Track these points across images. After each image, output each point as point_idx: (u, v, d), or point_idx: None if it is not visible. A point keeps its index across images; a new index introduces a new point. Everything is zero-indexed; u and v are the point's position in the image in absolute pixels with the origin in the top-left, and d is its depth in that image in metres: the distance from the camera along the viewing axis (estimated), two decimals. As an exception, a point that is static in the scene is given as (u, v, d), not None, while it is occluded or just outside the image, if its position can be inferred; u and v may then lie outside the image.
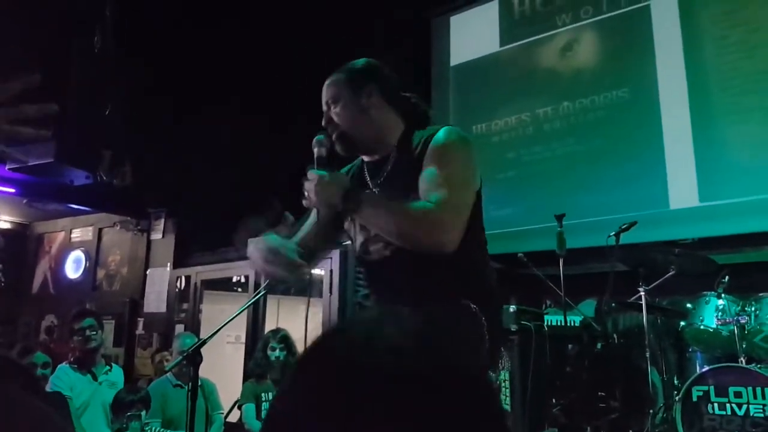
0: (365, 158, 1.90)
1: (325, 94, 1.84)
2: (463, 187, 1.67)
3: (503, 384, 3.20)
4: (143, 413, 3.48)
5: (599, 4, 5.60)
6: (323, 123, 1.86)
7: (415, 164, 1.69)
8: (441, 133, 1.71)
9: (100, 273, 6.69)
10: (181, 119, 5.69)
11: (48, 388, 3.57)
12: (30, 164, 4.31)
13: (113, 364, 4.14)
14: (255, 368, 4.15)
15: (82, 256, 6.82)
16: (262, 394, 4.03)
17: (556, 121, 5.61)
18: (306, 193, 1.70)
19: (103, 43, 4.79)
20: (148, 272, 6.20)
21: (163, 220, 6.22)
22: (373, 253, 1.76)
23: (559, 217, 3.74)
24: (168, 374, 4.11)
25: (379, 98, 1.80)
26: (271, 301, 5.68)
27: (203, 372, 4.04)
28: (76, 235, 7.01)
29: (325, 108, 1.85)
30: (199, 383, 4.05)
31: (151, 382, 5.12)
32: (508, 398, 3.10)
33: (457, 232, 1.59)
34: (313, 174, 1.69)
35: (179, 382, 4.04)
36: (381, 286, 1.79)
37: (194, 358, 2.57)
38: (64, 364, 3.85)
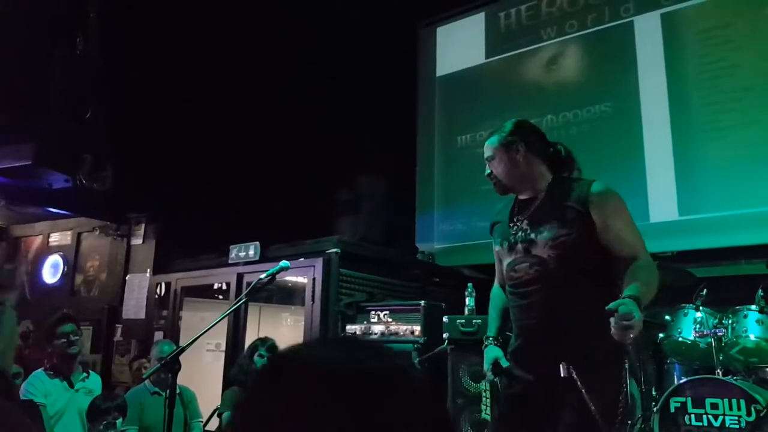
0: (518, 196, 2.31)
1: (486, 152, 2.32)
2: (636, 228, 2.15)
3: (484, 393, 3.21)
4: (119, 421, 3.42)
5: (584, 19, 5.69)
6: (486, 174, 2.33)
7: (561, 205, 2.13)
8: (599, 187, 2.14)
9: (79, 278, 6.59)
10: (165, 123, 5.65)
11: (21, 396, 3.49)
12: (8, 166, 4.24)
13: (90, 371, 4.06)
14: (239, 374, 4.11)
15: (60, 260, 6.71)
16: (243, 403, 3.98)
17: (539, 134, 5.67)
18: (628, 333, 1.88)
19: (86, 47, 4.75)
20: (127, 278, 6.12)
21: (143, 226, 6.15)
22: (518, 272, 2.19)
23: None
24: (146, 382, 4.05)
25: (527, 153, 2.23)
26: (253, 309, 5.63)
27: (183, 379, 4.00)
28: (55, 239, 6.90)
29: (486, 162, 2.32)
30: (178, 391, 4.00)
31: (129, 389, 5.05)
32: (488, 408, 3.11)
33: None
34: (628, 320, 1.84)
35: (157, 390, 3.99)
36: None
37: (172, 365, 2.54)
38: (39, 370, 3.77)
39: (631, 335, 1.85)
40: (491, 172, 2.29)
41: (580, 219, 2.07)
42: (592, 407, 1.85)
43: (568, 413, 1.97)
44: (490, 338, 2.29)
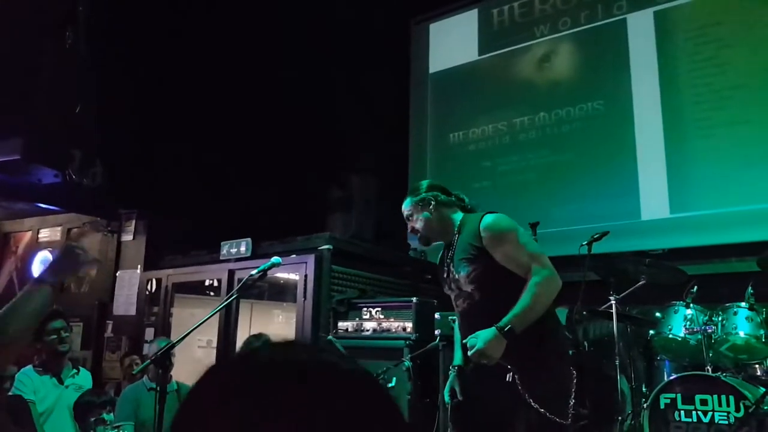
0: (443, 243, 2.62)
1: (404, 213, 2.64)
2: (530, 244, 2.40)
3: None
4: (111, 417, 3.40)
5: (577, 16, 5.69)
6: (408, 231, 2.65)
7: (467, 242, 2.41)
8: (486, 221, 2.39)
9: (68, 274, 6.55)
10: (156, 119, 5.62)
11: (10, 392, 3.46)
12: (-3, 161, 4.19)
13: (80, 368, 4.03)
14: None
15: (50, 256, 6.67)
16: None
17: (532, 131, 5.68)
18: (484, 360, 2.25)
19: (75, 42, 4.71)
20: (117, 274, 6.08)
21: (134, 222, 6.11)
22: (459, 306, 2.48)
23: (533, 226, 3.77)
24: (144, 378, 4.05)
25: (436, 205, 2.55)
26: (244, 306, 5.61)
27: (175, 376, 3.99)
28: (44, 235, 6.85)
29: (407, 221, 2.64)
30: (176, 387, 4.01)
31: (120, 385, 5.03)
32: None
33: (554, 271, 2.30)
34: (480, 350, 2.23)
35: (154, 386, 3.98)
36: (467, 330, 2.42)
37: (163, 361, 2.52)
38: (28, 367, 3.74)
39: (483, 361, 2.22)
40: (413, 228, 2.60)
41: (479, 253, 2.36)
42: (535, 406, 2.15)
43: (518, 416, 2.21)
44: (456, 367, 2.51)
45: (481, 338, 2.23)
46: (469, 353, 2.27)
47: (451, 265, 2.49)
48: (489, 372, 2.30)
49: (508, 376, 2.25)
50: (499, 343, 2.20)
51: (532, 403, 2.16)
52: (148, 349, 4.27)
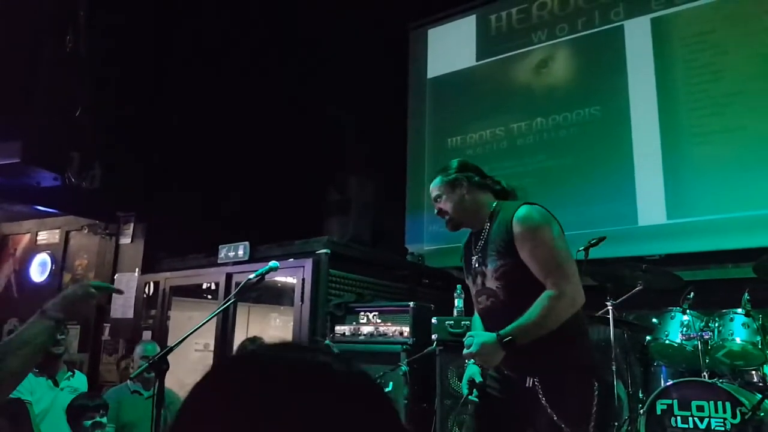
0: (472, 230, 2.41)
1: (432, 192, 2.43)
2: (564, 255, 2.15)
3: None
4: (105, 420, 3.40)
5: (574, 22, 5.72)
6: (436, 213, 2.42)
7: (498, 233, 2.21)
8: (520, 213, 2.19)
9: (67, 277, 6.54)
10: (154, 122, 5.62)
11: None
12: (-4, 164, 4.20)
13: (76, 371, 4.04)
14: None
15: (48, 259, 6.66)
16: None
17: (529, 137, 5.70)
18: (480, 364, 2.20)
19: (75, 45, 4.72)
20: (115, 277, 6.08)
21: (132, 225, 6.11)
22: (481, 303, 2.29)
23: (531, 231, 3.78)
24: (128, 381, 4.04)
25: (469, 187, 2.35)
26: (242, 309, 5.61)
27: (170, 379, 3.98)
28: (43, 237, 6.85)
29: (434, 202, 2.43)
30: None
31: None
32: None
33: (577, 287, 2.10)
34: (470, 354, 2.11)
35: (138, 389, 3.99)
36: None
37: (160, 365, 2.52)
38: (24, 369, 3.74)
39: (479, 362, 2.13)
40: (440, 210, 2.40)
41: (510, 247, 2.15)
42: (555, 417, 1.99)
43: (535, 424, 2.09)
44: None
45: (477, 341, 2.08)
46: (463, 352, 2.12)
47: (480, 256, 2.29)
48: (509, 375, 2.20)
49: (528, 380, 2.10)
50: (495, 351, 2.04)
51: (551, 413, 2.02)
52: (136, 351, 4.27)
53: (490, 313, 2.24)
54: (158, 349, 3.95)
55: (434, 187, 2.42)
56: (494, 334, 2.06)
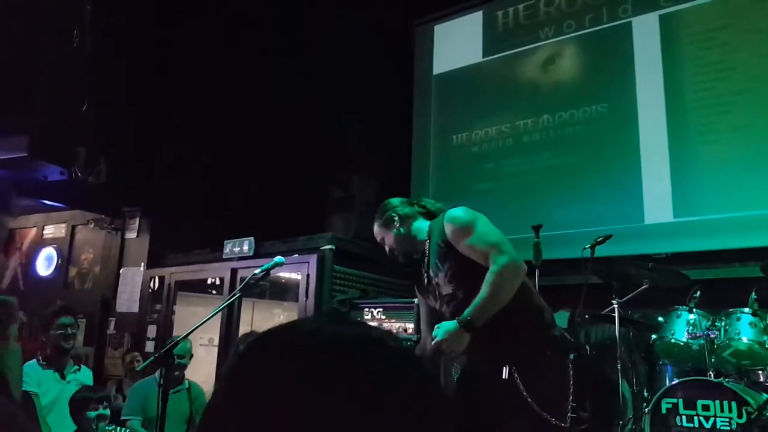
0: (418, 256, 2.58)
1: (377, 238, 2.66)
2: (490, 232, 2.32)
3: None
4: (108, 412, 3.41)
5: (582, 19, 5.68)
6: (387, 252, 2.64)
7: (437, 243, 2.39)
8: (448, 216, 2.37)
9: (72, 271, 6.57)
10: (160, 117, 5.63)
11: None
12: (2, 158, 4.22)
13: (82, 365, 4.06)
14: None
15: (54, 253, 6.69)
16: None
17: (535, 134, 5.67)
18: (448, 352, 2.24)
19: (82, 40, 4.72)
20: (121, 271, 6.10)
21: (137, 220, 6.13)
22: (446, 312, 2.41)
23: (536, 228, 3.76)
24: (156, 374, 4.07)
25: (401, 220, 2.57)
26: (246, 304, 5.62)
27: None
28: (49, 231, 6.88)
29: (382, 245, 2.65)
30: (187, 386, 4.04)
31: (122, 382, 5.04)
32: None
33: (511, 255, 2.21)
34: (437, 342, 2.22)
35: (165, 383, 4.01)
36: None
37: (166, 359, 2.53)
38: (32, 360, 3.76)
39: (446, 350, 2.20)
40: (389, 249, 2.61)
41: (449, 249, 2.35)
42: (529, 399, 2.11)
43: (513, 411, 2.18)
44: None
45: (441, 330, 2.21)
46: (432, 343, 2.24)
47: (429, 270, 2.48)
48: (484, 371, 2.30)
49: (504, 371, 2.20)
50: (459, 336, 2.17)
51: (531, 402, 2.11)
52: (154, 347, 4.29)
53: (457, 315, 2.34)
54: (189, 345, 3.99)
55: (376, 233, 2.66)
56: (454, 321, 2.20)
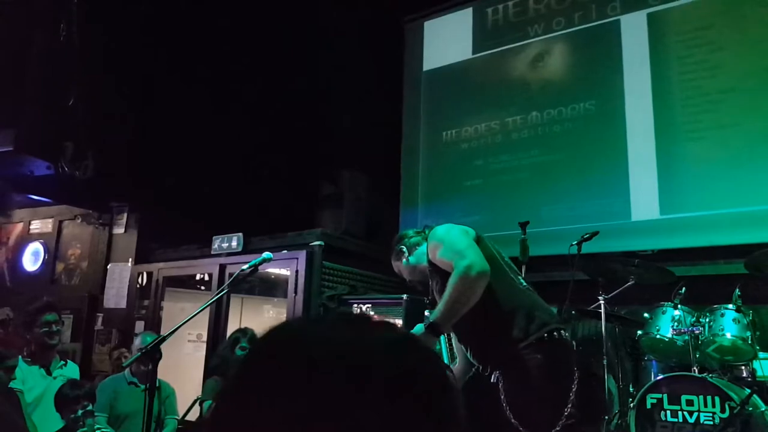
0: None
1: (395, 270, 2.78)
2: (456, 241, 2.36)
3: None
4: (92, 407, 3.39)
5: (571, 16, 5.71)
6: (408, 283, 2.80)
7: (427, 264, 2.52)
8: (430, 235, 2.50)
9: (59, 266, 6.53)
10: (148, 112, 5.60)
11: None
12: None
13: (68, 360, 4.04)
14: (222, 365, 4.10)
15: (41, 248, 6.64)
16: (224, 392, 3.98)
17: (524, 131, 5.69)
18: None
19: (69, 34, 4.68)
20: (108, 267, 6.07)
21: (125, 215, 6.09)
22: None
23: (523, 225, 3.78)
24: (125, 371, 4.03)
25: (409, 249, 2.68)
26: (235, 300, 5.61)
27: (163, 369, 3.96)
28: (35, 226, 6.82)
29: (402, 278, 2.79)
30: (158, 385, 4.00)
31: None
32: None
33: (471, 258, 2.23)
34: None
35: (134, 380, 3.97)
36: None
37: (152, 355, 2.53)
38: (17, 357, 3.73)
39: None
40: (406, 279, 2.74)
41: (433, 266, 2.45)
42: (508, 411, 2.11)
43: (493, 416, 2.17)
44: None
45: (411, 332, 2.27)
46: None
47: (432, 290, 2.56)
48: (474, 381, 2.33)
49: (493, 376, 2.24)
50: (425, 339, 2.17)
51: (507, 412, 2.10)
52: (135, 342, 4.26)
53: (454, 331, 2.47)
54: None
55: (394, 267, 2.78)
56: (421, 325, 2.27)
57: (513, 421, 2.08)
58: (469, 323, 2.27)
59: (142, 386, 3.81)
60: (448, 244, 2.35)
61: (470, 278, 2.19)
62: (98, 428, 3.32)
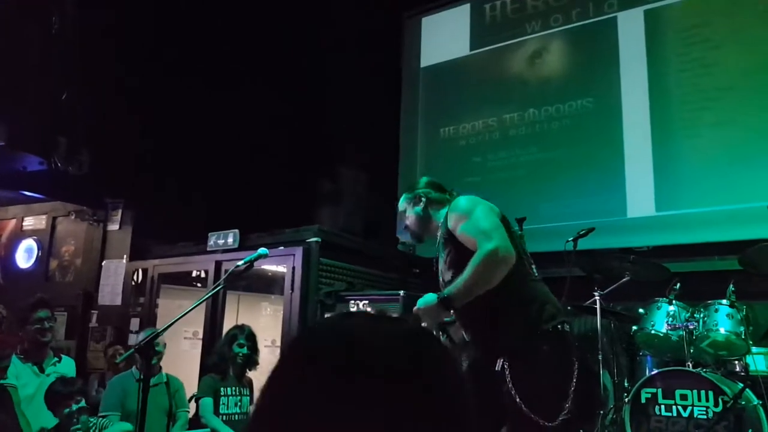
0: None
1: (399, 209, 2.69)
2: (483, 219, 2.28)
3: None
4: (84, 403, 3.38)
5: (568, 13, 5.71)
6: (402, 227, 2.71)
7: (443, 228, 2.43)
8: (453, 204, 2.43)
9: (53, 263, 6.49)
10: (143, 108, 5.57)
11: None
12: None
13: (63, 356, 4.02)
14: (219, 362, 4.09)
15: (35, 245, 6.60)
16: (221, 389, 3.97)
17: (521, 128, 5.70)
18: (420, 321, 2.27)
19: (62, 28, 4.65)
20: (103, 264, 6.04)
21: (120, 211, 6.05)
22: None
23: (520, 221, 3.77)
24: (132, 369, 4.03)
25: (427, 202, 2.58)
26: (231, 297, 5.59)
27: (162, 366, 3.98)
28: (29, 223, 6.78)
29: (402, 218, 2.69)
30: (165, 380, 4.00)
31: (104, 375, 5.00)
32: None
33: (498, 242, 2.16)
34: (416, 309, 2.27)
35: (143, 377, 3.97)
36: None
37: (147, 351, 2.52)
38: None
39: (423, 318, 2.24)
40: (405, 225, 2.67)
41: (450, 236, 2.37)
42: (517, 398, 2.07)
43: (503, 403, 2.13)
44: None
45: (422, 300, 2.25)
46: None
47: (437, 256, 2.51)
48: (479, 366, 2.25)
49: (498, 363, 2.15)
50: (435, 310, 2.20)
51: (517, 399, 2.06)
52: (136, 340, 4.25)
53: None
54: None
55: (400, 205, 2.68)
56: (434, 294, 2.23)
57: (524, 409, 2.04)
58: (477, 306, 2.19)
59: (153, 381, 3.79)
60: (474, 220, 2.27)
61: (494, 262, 2.13)
62: (107, 427, 3.33)
